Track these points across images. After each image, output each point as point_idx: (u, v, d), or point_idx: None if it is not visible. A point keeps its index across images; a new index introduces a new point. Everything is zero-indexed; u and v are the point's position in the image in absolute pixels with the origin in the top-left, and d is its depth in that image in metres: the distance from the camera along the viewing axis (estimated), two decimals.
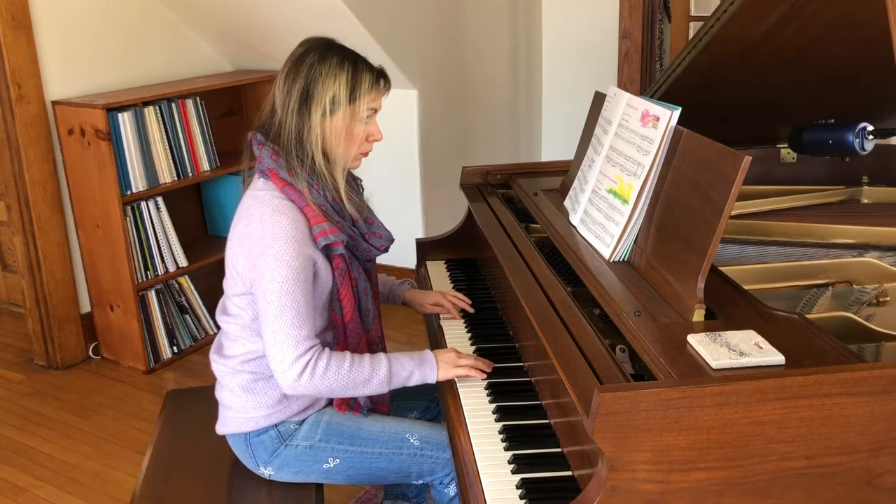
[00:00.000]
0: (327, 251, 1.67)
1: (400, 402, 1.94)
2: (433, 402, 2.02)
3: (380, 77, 1.72)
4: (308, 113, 1.65)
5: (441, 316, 2.00)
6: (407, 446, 1.75)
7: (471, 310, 1.99)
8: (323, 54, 1.67)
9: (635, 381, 1.26)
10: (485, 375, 1.69)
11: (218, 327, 1.81)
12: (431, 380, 1.69)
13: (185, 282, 3.47)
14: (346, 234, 1.69)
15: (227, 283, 1.74)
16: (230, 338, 1.76)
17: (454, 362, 1.69)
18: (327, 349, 1.64)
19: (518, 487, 1.35)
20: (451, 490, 1.76)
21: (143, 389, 3.20)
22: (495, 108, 4.14)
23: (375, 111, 1.72)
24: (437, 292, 2.04)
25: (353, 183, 1.83)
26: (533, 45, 4.29)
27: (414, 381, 1.68)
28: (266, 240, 1.60)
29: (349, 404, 1.76)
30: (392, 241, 1.82)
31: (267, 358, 1.64)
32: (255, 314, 1.68)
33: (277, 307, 1.59)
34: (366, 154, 1.76)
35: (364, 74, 1.68)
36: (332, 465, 1.74)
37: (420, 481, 1.79)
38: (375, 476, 1.77)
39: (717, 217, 1.32)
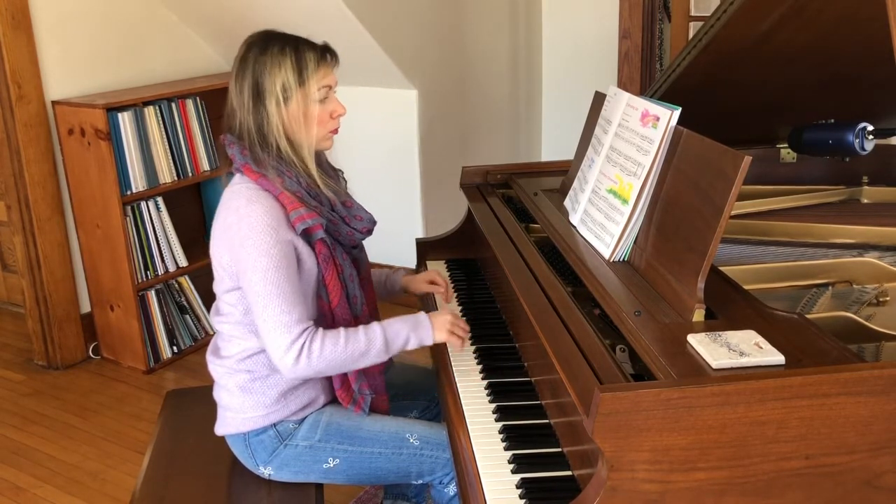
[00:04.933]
0: (307, 237, 1.68)
1: (399, 401, 1.94)
2: (433, 402, 2.02)
3: (325, 52, 1.71)
4: (263, 106, 1.66)
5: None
6: (407, 446, 1.75)
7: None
8: (263, 46, 1.68)
9: (635, 381, 1.26)
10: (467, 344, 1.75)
11: (215, 329, 1.82)
12: (428, 342, 1.70)
13: (185, 282, 3.47)
14: (325, 219, 1.70)
15: (216, 283, 1.75)
16: (225, 338, 1.76)
17: (449, 325, 1.70)
18: (320, 329, 1.65)
19: (518, 487, 1.35)
20: (451, 490, 1.76)
21: (143, 389, 3.21)
22: (495, 108, 4.14)
23: (330, 87, 1.72)
24: (431, 270, 2.05)
25: (332, 171, 1.84)
26: (533, 45, 4.29)
27: (412, 344, 1.69)
28: (243, 230, 1.61)
29: (352, 398, 1.75)
30: (374, 223, 1.82)
31: (265, 349, 1.65)
32: (246, 309, 1.69)
33: (264, 297, 1.60)
34: (335, 131, 1.76)
35: (308, 54, 1.68)
36: (332, 465, 1.74)
37: (420, 481, 1.79)
38: (375, 476, 1.77)
39: (717, 217, 1.32)
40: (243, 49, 1.71)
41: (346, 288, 1.74)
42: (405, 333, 1.68)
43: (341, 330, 1.66)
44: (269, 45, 1.68)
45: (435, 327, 1.70)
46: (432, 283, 2.02)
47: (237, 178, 1.70)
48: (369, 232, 1.82)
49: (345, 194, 1.80)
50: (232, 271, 1.67)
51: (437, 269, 2.31)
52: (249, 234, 1.60)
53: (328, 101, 1.72)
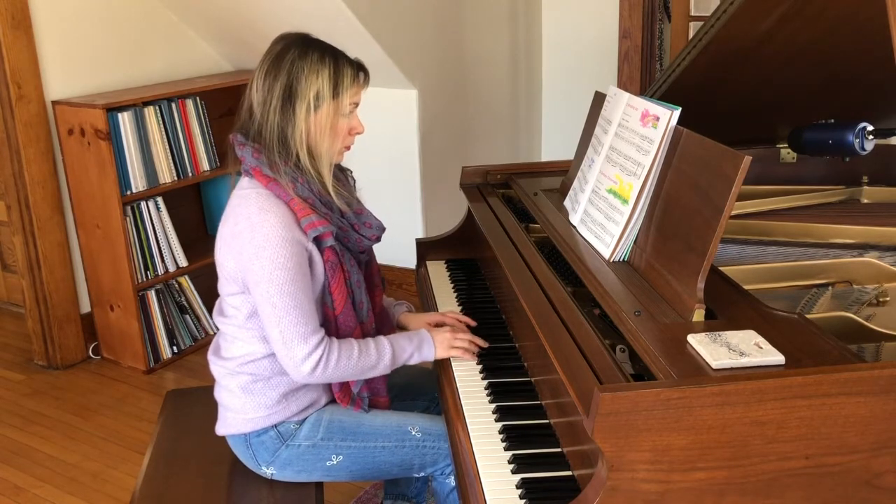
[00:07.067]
0: (317, 243, 1.67)
1: (400, 401, 1.94)
2: (433, 402, 2.02)
3: (359, 70, 1.71)
4: (292, 110, 1.64)
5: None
6: (409, 438, 1.76)
7: (485, 345, 1.82)
8: (303, 50, 1.66)
9: (635, 381, 1.26)
10: (476, 356, 1.78)
11: (217, 328, 1.81)
12: (430, 359, 1.77)
13: (185, 282, 3.47)
14: (336, 226, 1.69)
15: (220, 284, 1.74)
16: (227, 339, 1.76)
17: (450, 343, 1.77)
18: (335, 340, 1.67)
19: (518, 487, 1.35)
20: (452, 481, 1.77)
21: (143, 389, 3.21)
22: (495, 108, 4.14)
23: (356, 105, 1.72)
24: (435, 312, 1.95)
25: (342, 175, 1.83)
26: (533, 45, 4.29)
27: (414, 361, 1.77)
28: (256, 241, 1.60)
29: (350, 398, 1.76)
30: (383, 230, 1.82)
31: (277, 355, 1.66)
32: (250, 313, 1.69)
33: (281, 309, 1.60)
34: (348, 148, 1.76)
35: (346, 69, 1.68)
36: (335, 462, 1.74)
37: (422, 473, 1.79)
38: (378, 470, 1.77)
39: (717, 217, 1.32)
40: (279, 47, 1.67)
41: (352, 294, 1.74)
42: (410, 350, 1.75)
43: (353, 342, 1.69)
44: (308, 49, 1.66)
45: (437, 347, 1.77)
46: (438, 324, 1.89)
47: (246, 181, 1.68)
48: (378, 239, 1.81)
49: (357, 202, 1.80)
50: (237, 278, 1.66)
51: (438, 269, 2.31)
52: (265, 246, 1.59)
53: (352, 117, 1.72)
